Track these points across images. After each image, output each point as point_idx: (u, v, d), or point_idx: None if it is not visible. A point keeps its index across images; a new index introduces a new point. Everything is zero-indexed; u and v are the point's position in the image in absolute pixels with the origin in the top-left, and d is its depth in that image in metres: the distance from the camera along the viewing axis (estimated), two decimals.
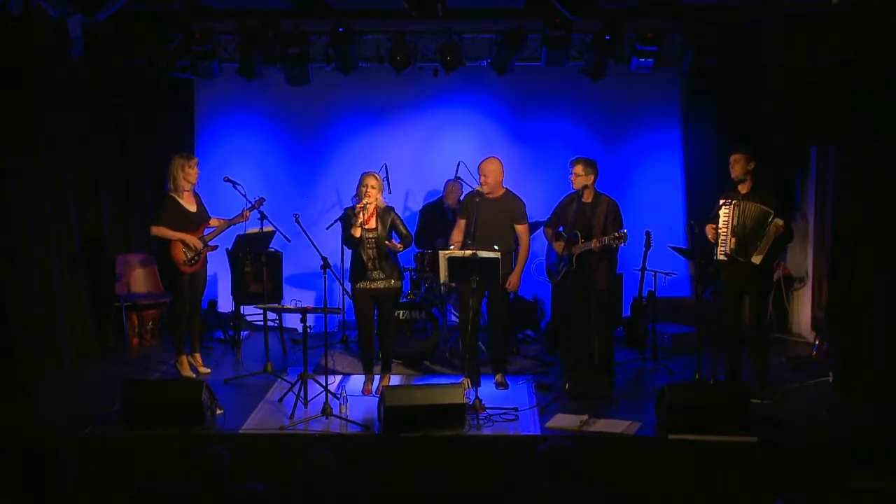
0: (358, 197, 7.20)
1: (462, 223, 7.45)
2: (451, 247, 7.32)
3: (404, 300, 8.10)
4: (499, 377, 7.51)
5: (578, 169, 7.24)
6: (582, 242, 7.16)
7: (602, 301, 7.28)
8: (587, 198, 7.30)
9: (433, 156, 9.65)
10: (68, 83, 8.05)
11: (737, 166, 7.07)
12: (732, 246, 7.01)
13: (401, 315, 8.09)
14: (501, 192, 7.36)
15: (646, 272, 8.08)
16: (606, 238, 6.94)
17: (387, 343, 7.46)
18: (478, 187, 7.31)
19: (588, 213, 7.25)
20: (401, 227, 7.27)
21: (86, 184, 8.74)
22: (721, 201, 7.10)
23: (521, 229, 7.41)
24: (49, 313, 7.64)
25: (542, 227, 8.72)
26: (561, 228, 7.36)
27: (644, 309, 8.41)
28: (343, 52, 8.67)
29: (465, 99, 9.72)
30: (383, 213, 7.24)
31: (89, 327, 8.33)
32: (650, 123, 9.66)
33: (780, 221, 6.91)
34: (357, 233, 7.09)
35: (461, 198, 7.94)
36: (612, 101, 9.57)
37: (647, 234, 7.84)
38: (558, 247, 7.32)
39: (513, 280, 7.36)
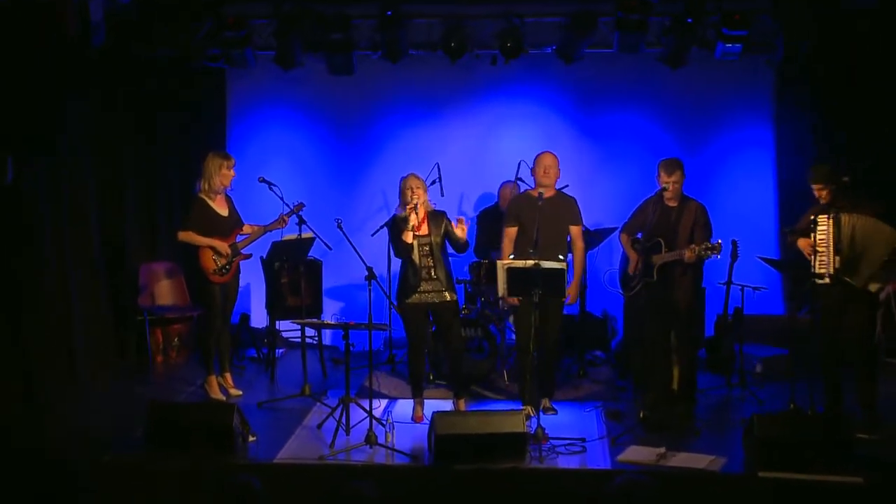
0: (402, 204, 7.22)
1: (513, 231, 7.41)
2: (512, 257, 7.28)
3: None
4: (545, 402, 7.44)
5: (678, 176, 7.12)
6: (665, 252, 7.05)
7: (684, 319, 7.18)
8: (672, 201, 7.20)
9: (491, 155, 9.64)
10: (90, 75, 8.17)
11: (823, 192, 6.89)
12: (837, 265, 6.81)
13: None
14: (553, 192, 7.31)
15: (732, 286, 7.94)
16: (698, 248, 6.84)
17: (456, 361, 7.41)
18: (538, 188, 7.26)
19: (672, 219, 7.16)
20: (455, 233, 7.25)
21: (107, 184, 8.85)
22: (813, 216, 6.94)
23: (576, 231, 7.37)
24: (66, 328, 7.76)
25: (612, 234, 8.70)
26: (640, 235, 7.26)
27: (730, 328, 8.28)
28: (391, 38, 8.70)
29: (526, 90, 9.70)
30: (434, 216, 7.25)
31: (109, 343, 8.44)
32: (737, 118, 9.55)
33: None
34: (409, 238, 7.09)
35: None
36: (693, 92, 9.49)
37: (734, 243, 7.72)
38: (636, 255, 7.23)
39: (572, 291, 7.31)
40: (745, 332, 8.30)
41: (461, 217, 7.24)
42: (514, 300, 7.27)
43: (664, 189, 7.17)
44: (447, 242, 7.29)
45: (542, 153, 7.34)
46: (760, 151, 9.56)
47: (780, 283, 9.31)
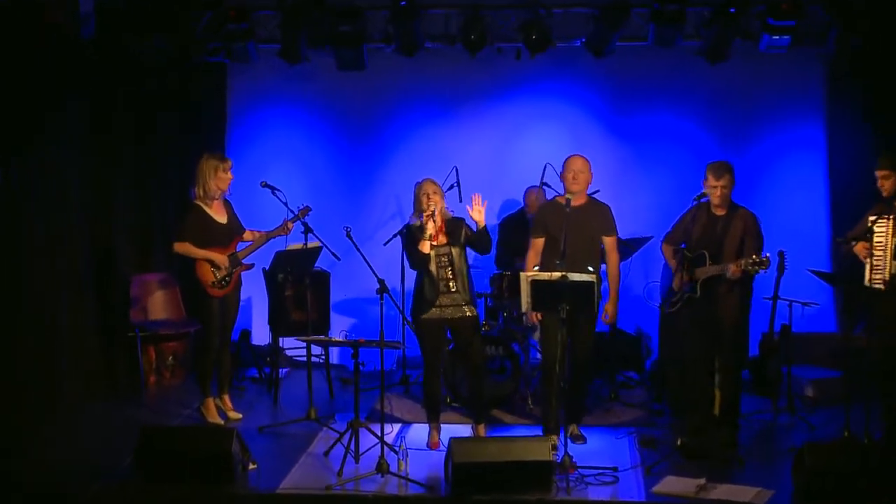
0: (417, 212, 7.21)
1: (539, 243, 7.35)
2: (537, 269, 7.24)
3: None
4: (573, 429, 7.41)
5: (726, 180, 7.08)
6: (710, 265, 7.02)
7: (729, 338, 7.14)
8: (720, 209, 7.16)
9: (514, 157, 9.65)
10: (79, 70, 8.19)
11: (886, 183, 6.92)
12: (893, 271, 6.80)
13: None
14: (584, 199, 7.27)
15: (779, 301, 7.89)
16: (744, 262, 6.79)
17: (476, 382, 7.40)
18: (566, 194, 7.21)
19: (719, 230, 7.12)
20: (474, 237, 7.20)
21: (96, 188, 8.80)
22: (871, 217, 6.91)
23: (610, 242, 7.32)
24: (49, 344, 7.75)
25: (647, 243, 8.65)
26: (684, 245, 7.21)
27: (776, 347, 8.23)
28: (405, 30, 8.70)
29: (553, 87, 9.70)
30: (453, 224, 7.23)
31: (97, 362, 8.44)
32: (785, 117, 9.52)
33: None
34: (426, 248, 7.08)
35: None
36: (736, 89, 9.47)
37: (781, 254, 7.68)
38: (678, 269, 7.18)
39: (610, 309, 7.27)
40: (793, 351, 8.25)
41: (477, 194, 7.09)
42: (535, 317, 7.22)
43: (705, 194, 7.08)
44: (468, 249, 7.27)
45: (572, 157, 7.29)
46: (810, 154, 9.53)
47: (832, 298, 9.25)
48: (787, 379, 8.17)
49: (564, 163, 7.27)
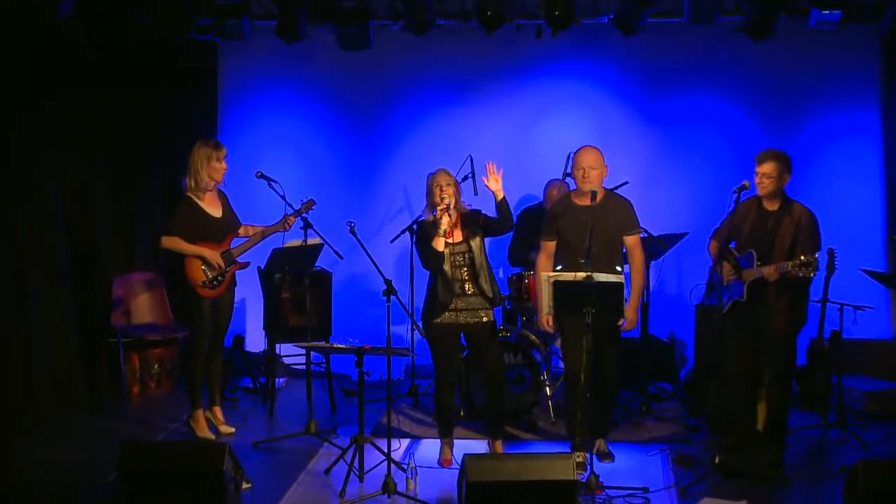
0: (430, 205, 7.18)
1: (550, 246, 7.29)
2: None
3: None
4: (600, 445, 7.39)
5: (768, 167, 6.99)
6: (757, 266, 6.97)
7: (779, 349, 7.10)
8: (771, 205, 7.11)
9: (534, 146, 9.65)
10: (57, 56, 8.20)
11: None
12: None
13: None
14: (601, 194, 7.18)
15: (828, 305, 7.88)
16: (788, 264, 6.74)
17: (494, 393, 7.36)
18: (578, 191, 7.15)
19: (770, 227, 7.06)
20: (490, 220, 7.15)
21: (75, 180, 8.86)
22: None
23: (632, 241, 7.24)
24: (24, 350, 7.77)
25: (681, 240, 8.61)
26: (733, 244, 7.15)
27: (826, 355, 8.23)
28: (415, 5, 8.69)
29: (577, 68, 9.70)
30: (469, 218, 7.20)
31: (76, 370, 8.46)
32: (836, 100, 9.50)
33: None
34: (440, 245, 7.05)
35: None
36: (781, 70, 9.45)
37: (831, 252, 7.66)
38: (725, 270, 7.11)
39: (630, 315, 7.18)
40: (844, 360, 8.20)
41: (492, 162, 6.99)
42: (546, 323, 7.17)
43: (745, 186, 7.00)
44: (490, 239, 7.27)
45: (581, 150, 7.16)
46: (864, 141, 9.50)
47: (887, 300, 9.23)
48: (838, 390, 8.12)
49: (573, 157, 7.18)
